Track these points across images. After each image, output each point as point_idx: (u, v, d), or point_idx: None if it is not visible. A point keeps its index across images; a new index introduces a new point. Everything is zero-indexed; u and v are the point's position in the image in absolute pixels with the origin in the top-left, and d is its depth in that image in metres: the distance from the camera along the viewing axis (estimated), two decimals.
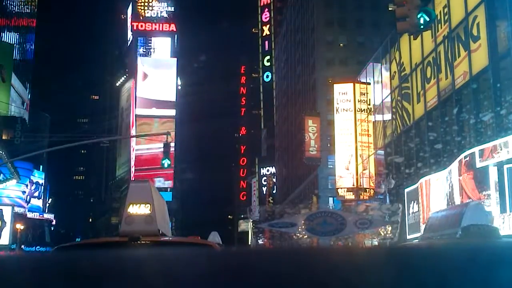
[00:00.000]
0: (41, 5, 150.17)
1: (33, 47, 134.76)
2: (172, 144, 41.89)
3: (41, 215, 69.37)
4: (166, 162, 28.82)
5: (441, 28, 27.11)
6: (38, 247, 61.65)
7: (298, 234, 29.15)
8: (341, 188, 44.51)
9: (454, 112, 25.64)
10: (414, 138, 31.13)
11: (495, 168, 19.55)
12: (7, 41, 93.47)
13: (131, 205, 5.69)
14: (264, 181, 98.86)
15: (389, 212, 29.18)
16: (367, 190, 42.29)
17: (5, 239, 47.26)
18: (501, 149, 19.28)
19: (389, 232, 27.61)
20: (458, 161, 22.32)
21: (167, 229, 6.83)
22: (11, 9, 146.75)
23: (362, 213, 31.88)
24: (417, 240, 25.56)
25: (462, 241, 11.45)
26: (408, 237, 28.06)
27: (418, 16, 13.92)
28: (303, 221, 27.81)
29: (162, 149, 29.27)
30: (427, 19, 14.06)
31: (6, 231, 47.76)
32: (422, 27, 14.19)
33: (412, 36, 21.01)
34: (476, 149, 20.94)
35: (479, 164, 20.58)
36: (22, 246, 53.71)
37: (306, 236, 29.03)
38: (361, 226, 27.29)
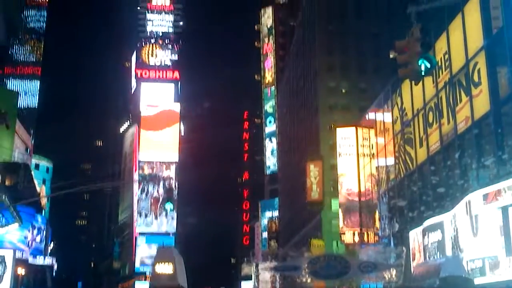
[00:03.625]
0: (46, 54, 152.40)
1: (37, 95, 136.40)
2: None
3: (43, 260, 68.86)
4: (169, 206, 28.94)
5: (442, 74, 27.48)
6: None
7: (301, 277, 29.00)
8: (345, 231, 44.40)
9: (456, 157, 25.80)
10: (417, 182, 31.21)
11: (499, 211, 19.60)
12: (12, 88, 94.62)
13: (158, 263, 6.40)
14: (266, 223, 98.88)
15: (393, 255, 29.14)
16: (371, 233, 42.15)
17: (6, 284, 46.90)
18: (505, 192, 19.37)
19: (393, 275, 27.50)
20: (465, 203, 22.36)
21: (185, 283, 7.87)
22: (17, 58, 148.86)
23: (366, 256, 31.81)
24: None
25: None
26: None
27: (419, 63, 14.24)
28: (306, 264, 27.74)
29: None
30: (428, 65, 14.38)
31: (8, 276, 47.41)
32: (423, 73, 14.49)
33: (413, 82, 21.42)
34: (480, 192, 21.01)
35: (483, 207, 20.62)
36: None
37: (310, 280, 28.87)
38: (365, 269, 27.20)
